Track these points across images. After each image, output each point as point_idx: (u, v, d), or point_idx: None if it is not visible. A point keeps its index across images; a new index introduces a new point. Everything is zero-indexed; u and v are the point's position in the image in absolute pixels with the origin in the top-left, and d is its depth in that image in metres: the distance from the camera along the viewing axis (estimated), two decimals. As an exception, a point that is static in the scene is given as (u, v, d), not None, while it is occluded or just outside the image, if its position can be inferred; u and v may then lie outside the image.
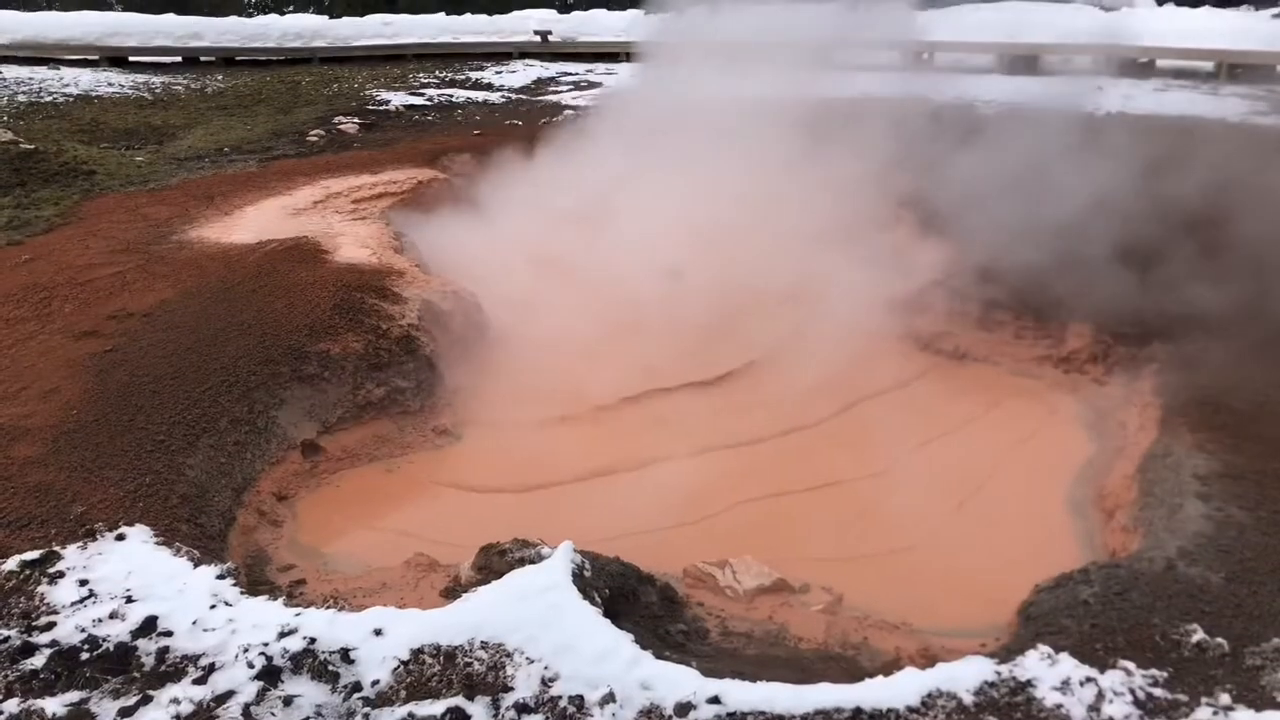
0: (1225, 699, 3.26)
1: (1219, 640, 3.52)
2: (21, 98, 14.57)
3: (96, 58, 18.39)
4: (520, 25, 21.30)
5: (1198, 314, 6.35)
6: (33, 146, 10.81)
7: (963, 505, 5.37)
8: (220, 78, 17.63)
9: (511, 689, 3.28)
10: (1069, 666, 3.41)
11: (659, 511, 5.29)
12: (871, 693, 3.31)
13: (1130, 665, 3.42)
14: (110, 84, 16.23)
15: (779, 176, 8.69)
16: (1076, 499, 5.31)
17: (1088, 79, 14.00)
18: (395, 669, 3.40)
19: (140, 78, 17.09)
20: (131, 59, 18.73)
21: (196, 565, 4.02)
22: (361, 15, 22.50)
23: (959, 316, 7.40)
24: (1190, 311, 6.38)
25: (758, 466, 5.81)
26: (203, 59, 19.20)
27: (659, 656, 3.54)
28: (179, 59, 19.05)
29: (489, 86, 16.77)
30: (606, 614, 3.76)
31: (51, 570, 3.94)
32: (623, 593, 4.04)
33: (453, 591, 4.20)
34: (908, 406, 6.56)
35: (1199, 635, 3.54)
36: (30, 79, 16.01)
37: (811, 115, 9.30)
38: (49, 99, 14.68)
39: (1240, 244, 6.81)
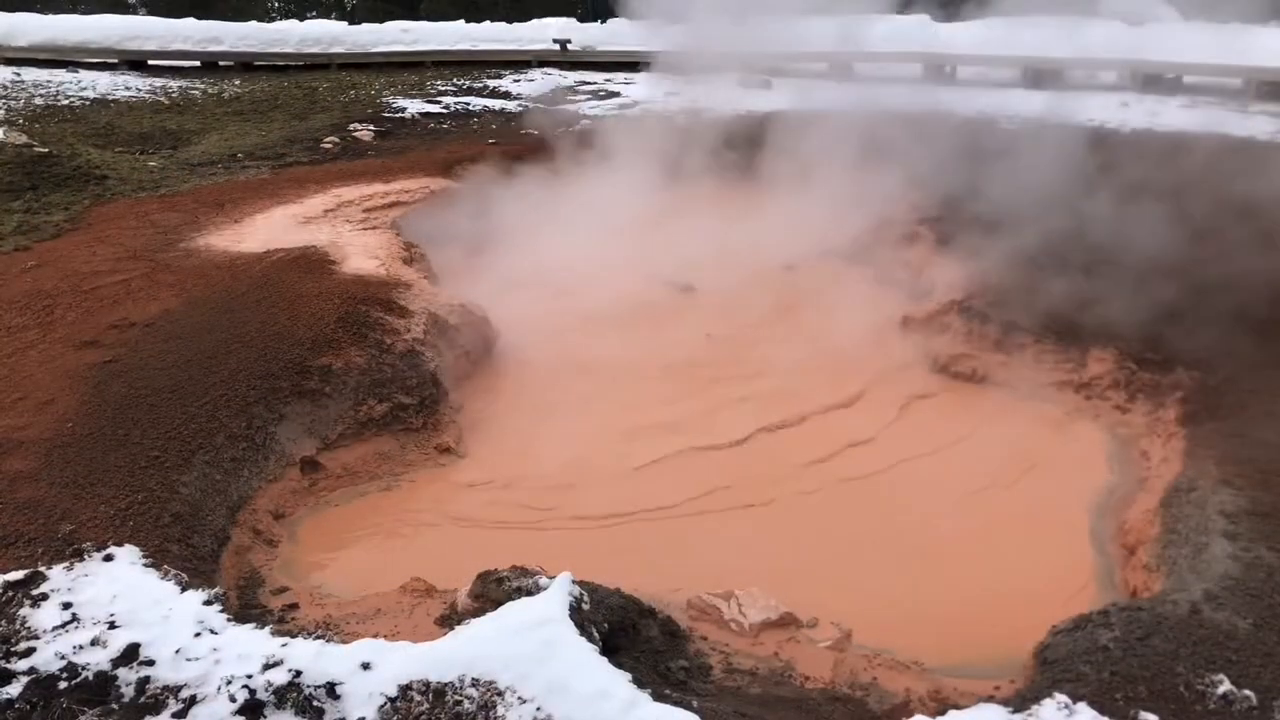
0: (1253, 757, 3.10)
1: (1246, 692, 3.35)
2: (39, 100, 14.58)
3: (115, 61, 18.41)
4: (539, 34, 21.24)
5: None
6: (46, 150, 10.76)
7: (978, 536, 5.19)
8: (238, 82, 17.63)
9: (502, 731, 3.15)
10: (1087, 718, 3.25)
11: (661, 540, 5.16)
12: (879, 742, 3.16)
13: (1152, 718, 3.25)
14: (128, 87, 16.24)
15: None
16: (1097, 533, 5.13)
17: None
18: (382, 706, 3.27)
19: (158, 81, 17.10)
20: (150, 62, 18.74)
21: (184, 589, 3.90)
22: (381, 22, 22.48)
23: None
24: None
25: (770, 498, 5.63)
26: (221, 63, 19.20)
27: (659, 695, 3.40)
28: (197, 63, 19.07)
29: (506, 95, 16.69)
30: (605, 649, 3.62)
31: (35, 592, 3.83)
32: (622, 626, 3.90)
33: (448, 619, 4.07)
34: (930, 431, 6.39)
35: (1225, 686, 3.37)
36: (48, 82, 16.03)
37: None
38: (65, 102, 14.69)
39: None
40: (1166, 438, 5.50)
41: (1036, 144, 9.34)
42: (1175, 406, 5.75)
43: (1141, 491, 5.20)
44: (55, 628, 3.64)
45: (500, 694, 3.28)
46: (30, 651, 3.51)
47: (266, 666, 3.45)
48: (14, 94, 14.78)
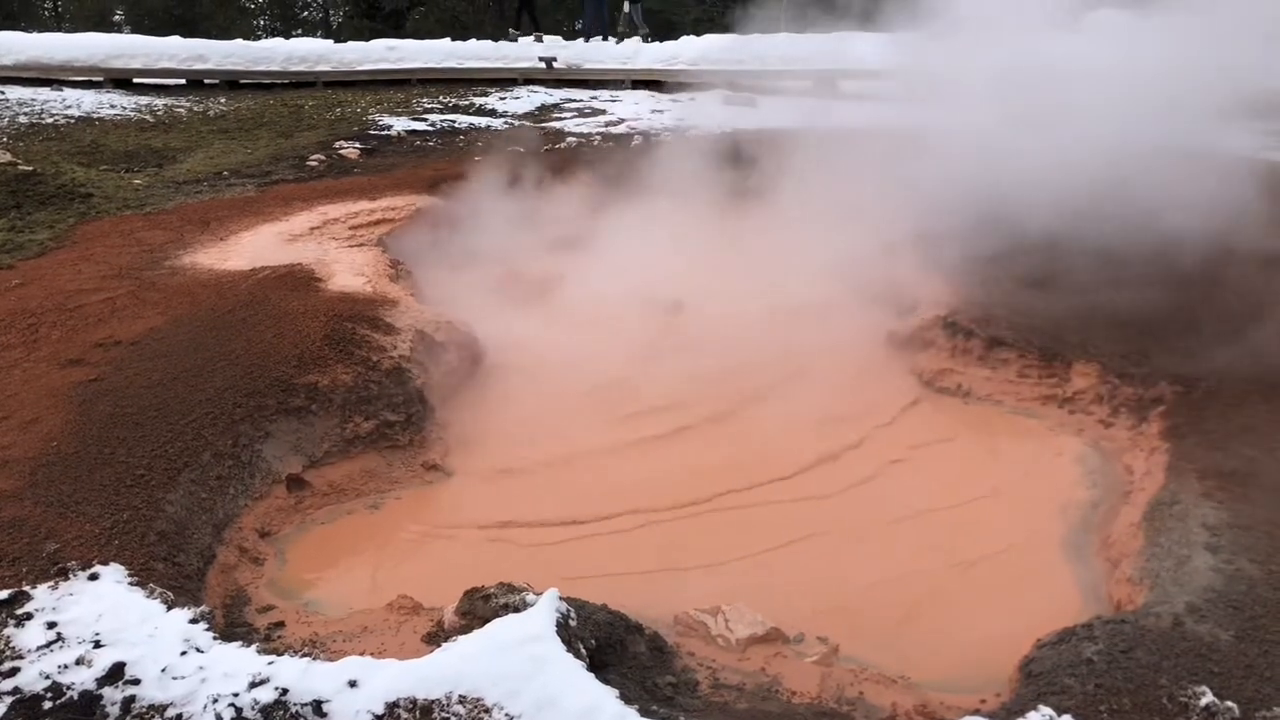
0: (1236, 768, 3.12)
1: (1229, 704, 3.37)
2: (23, 119, 14.54)
3: (100, 79, 18.36)
4: (525, 52, 21.29)
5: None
6: (31, 168, 10.74)
7: (962, 550, 5.21)
8: (223, 100, 17.61)
9: (489, 748, 3.15)
10: (1072, 730, 3.27)
11: (646, 556, 5.17)
12: (866, 756, 3.17)
13: (1136, 730, 3.28)
14: (113, 106, 16.21)
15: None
16: (1081, 546, 5.16)
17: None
18: (369, 724, 3.27)
19: (143, 99, 17.07)
20: (135, 80, 18.70)
21: (170, 608, 3.89)
22: (367, 40, 22.50)
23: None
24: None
25: (751, 513, 5.64)
26: (207, 81, 19.16)
27: (645, 711, 3.41)
28: (183, 81, 19.02)
29: (492, 112, 16.72)
30: (593, 665, 3.63)
31: (19, 612, 3.82)
32: (610, 643, 3.90)
33: (435, 637, 4.07)
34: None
35: (1208, 698, 3.40)
36: (33, 100, 15.98)
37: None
38: (50, 120, 14.65)
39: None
40: (1149, 451, 5.53)
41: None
42: (1158, 420, 5.79)
43: (1125, 505, 5.22)
44: (40, 647, 3.63)
45: (488, 711, 3.28)
46: (14, 671, 3.50)
47: (253, 685, 3.44)
48: (-2, 112, 14.76)
